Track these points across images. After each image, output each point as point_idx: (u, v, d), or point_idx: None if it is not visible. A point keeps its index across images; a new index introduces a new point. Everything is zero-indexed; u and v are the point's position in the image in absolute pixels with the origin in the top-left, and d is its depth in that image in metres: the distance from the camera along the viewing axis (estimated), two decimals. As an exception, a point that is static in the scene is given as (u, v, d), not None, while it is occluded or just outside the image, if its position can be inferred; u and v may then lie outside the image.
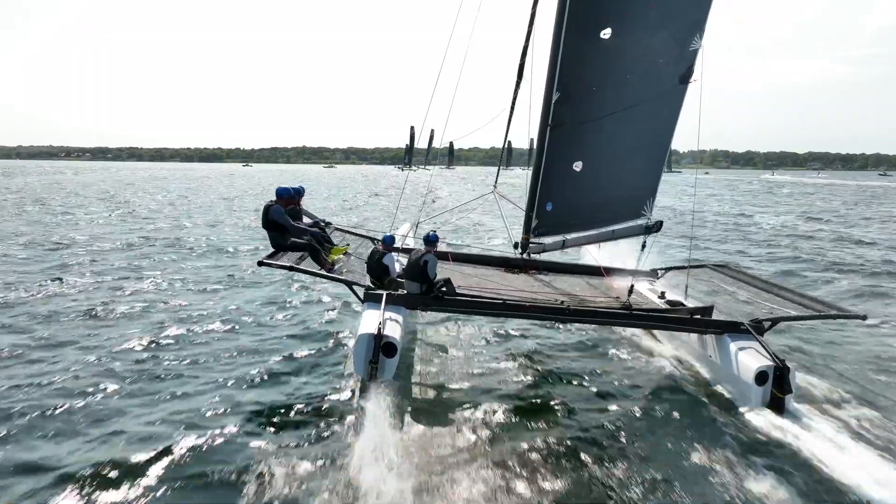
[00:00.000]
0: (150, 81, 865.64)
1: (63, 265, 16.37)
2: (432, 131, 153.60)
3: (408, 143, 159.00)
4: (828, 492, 5.97)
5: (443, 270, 10.63)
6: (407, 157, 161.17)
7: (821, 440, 6.81)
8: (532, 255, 12.19)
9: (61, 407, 7.34)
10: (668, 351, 9.85)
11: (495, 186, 13.72)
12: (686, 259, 10.33)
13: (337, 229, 12.67)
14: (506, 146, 14.41)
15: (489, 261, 12.53)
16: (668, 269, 12.18)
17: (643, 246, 9.95)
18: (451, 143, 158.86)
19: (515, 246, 12.42)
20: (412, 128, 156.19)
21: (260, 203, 27.26)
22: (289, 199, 9.62)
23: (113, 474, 5.98)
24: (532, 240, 12.04)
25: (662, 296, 10.23)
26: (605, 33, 10.39)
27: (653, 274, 12.04)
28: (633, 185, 10.77)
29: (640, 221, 10.62)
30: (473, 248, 15.35)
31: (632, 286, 9.37)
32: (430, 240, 9.01)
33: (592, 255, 13.19)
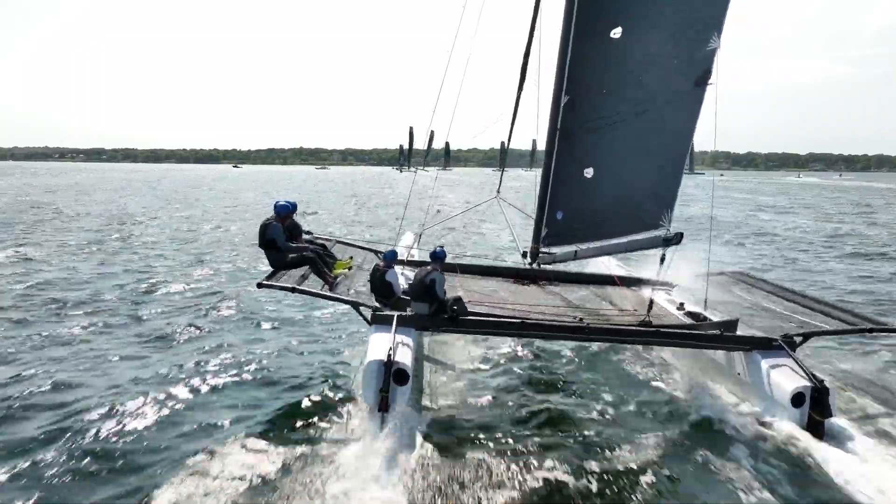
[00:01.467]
0: (150, 82, 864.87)
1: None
2: (432, 132, 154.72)
3: (406, 144, 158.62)
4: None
5: (450, 283, 10.32)
6: (401, 157, 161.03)
7: (867, 470, 6.36)
8: (542, 265, 11.88)
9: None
10: (689, 366, 9.39)
11: (498, 192, 13.42)
12: (705, 268, 9.90)
13: (339, 242, 12.28)
14: (505, 150, 14.07)
15: (498, 272, 12.15)
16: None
17: (662, 259, 9.51)
18: (447, 144, 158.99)
19: (524, 255, 12.11)
20: (411, 128, 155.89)
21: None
22: (286, 215, 9.17)
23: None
24: (542, 249, 11.68)
25: (681, 307, 9.81)
26: (616, 32, 9.97)
27: (668, 283, 11.65)
28: (649, 194, 10.31)
29: (658, 233, 10.17)
30: (481, 259, 15.01)
31: (651, 301, 8.98)
32: (437, 256, 8.53)
33: (604, 262, 12.84)
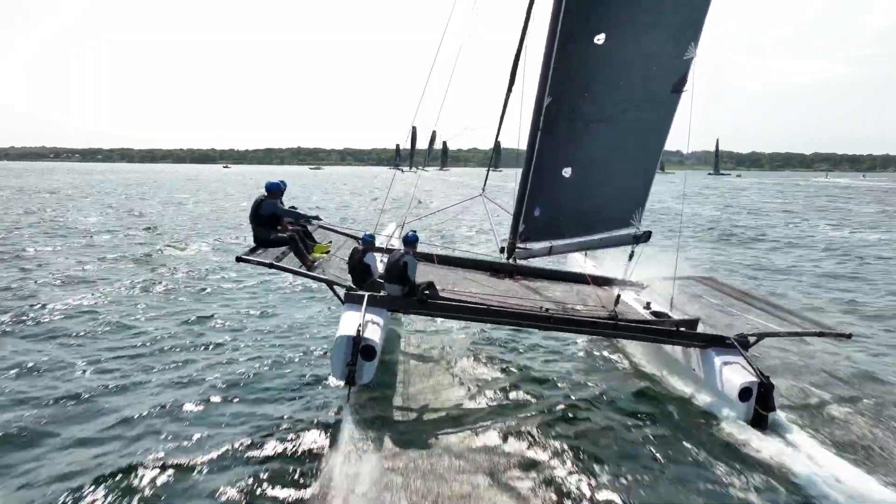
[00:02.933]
0: (149, 82, 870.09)
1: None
2: (433, 132, 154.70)
3: (403, 143, 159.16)
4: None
5: (427, 272, 10.77)
6: (397, 158, 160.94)
7: (803, 458, 6.87)
8: (518, 260, 12.32)
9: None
10: (651, 362, 9.92)
11: (483, 189, 13.96)
12: (674, 269, 10.44)
13: (321, 227, 12.73)
14: (495, 149, 14.59)
15: (475, 265, 12.60)
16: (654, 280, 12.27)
17: (630, 256, 10.08)
18: (445, 144, 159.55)
19: (502, 250, 12.60)
20: (414, 128, 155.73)
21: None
22: (276, 193, 9.69)
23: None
24: (519, 245, 12.13)
25: (648, 306, 10.30)
26: (599, 38, 10.46)
27: (639, 284, 12.08)
28: (623, 194, 10.84)
29: (629, 231, 10.75)
30: (460, 252, 15.50)
31: (618, 296, 9.43)
32: (410, 240, 8.96)
33: (578, 262, 13.40)
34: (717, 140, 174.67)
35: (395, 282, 8.50)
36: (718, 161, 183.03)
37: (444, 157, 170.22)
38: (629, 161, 10.81)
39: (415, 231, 9.36)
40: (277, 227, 9.51)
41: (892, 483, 6.49)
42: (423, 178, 64.20)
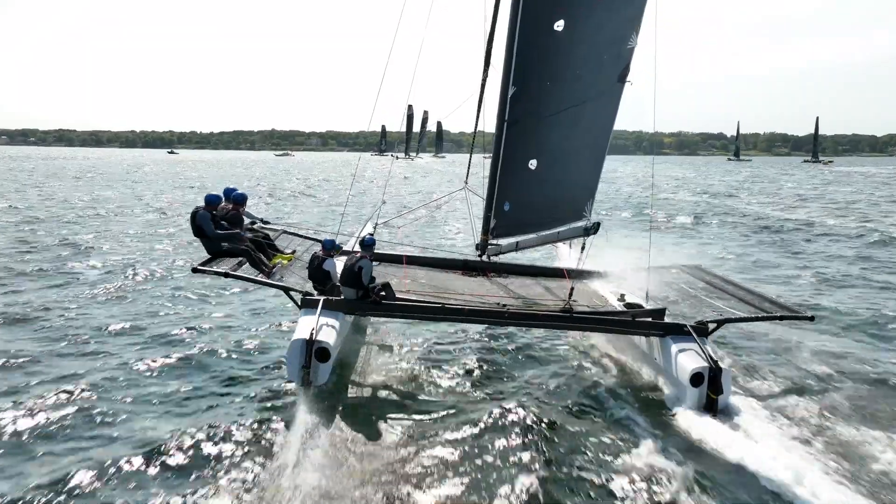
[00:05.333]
0: (96, 54, 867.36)
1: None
2: (425, 112, 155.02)
3: (392, 127, 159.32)
4: (749, 492, 7.48)
5: (394, 274, 12.40)
6: (382, 141, 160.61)
7: (748, 442, 8.37)
8: (492, 257, 13.95)
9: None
10: (621, 352, 11.60)
11: (466, 182, 15.55)
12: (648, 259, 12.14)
13: (286, 233, 14.35)
14: (475, 137, 16.16)
15: (447, 264, 14.26)
16: (637, 271, 13.69)
17: (582, 248, 11.67)
18: (440, 125, 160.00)
19: (477, 247, 14.29)
20: (409, 107, 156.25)
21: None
22: (214, 205, 11.04)
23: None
24: (490, 241, 13.79)
25: (622, 298, 11.91)
26: (559, 25, 12.05)
27: (621, 275, 13.66)
28: (579, 186, 12.55)
29: (581, 223, 12.42)
30: (436, 251, 17.10)
31: (572, 288, 10.97)
32: (366, 244, 10.56)
33: (564, 254, 15.03)
34: (817, 119, 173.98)
35: (351, 285, 10.16)
36: (817, 145, 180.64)
37: (440, 142, 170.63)
38: (584, 152, 12.59)
39: (372, 234, 10.95)
40: (233, 237, 10.98)
41: (836, 469, 7.91)
42: (412, 166, 65.12)
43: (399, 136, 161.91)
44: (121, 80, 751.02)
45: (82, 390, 9.72)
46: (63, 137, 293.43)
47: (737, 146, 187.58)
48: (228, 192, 11.87)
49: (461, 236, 26.30)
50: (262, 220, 13.27)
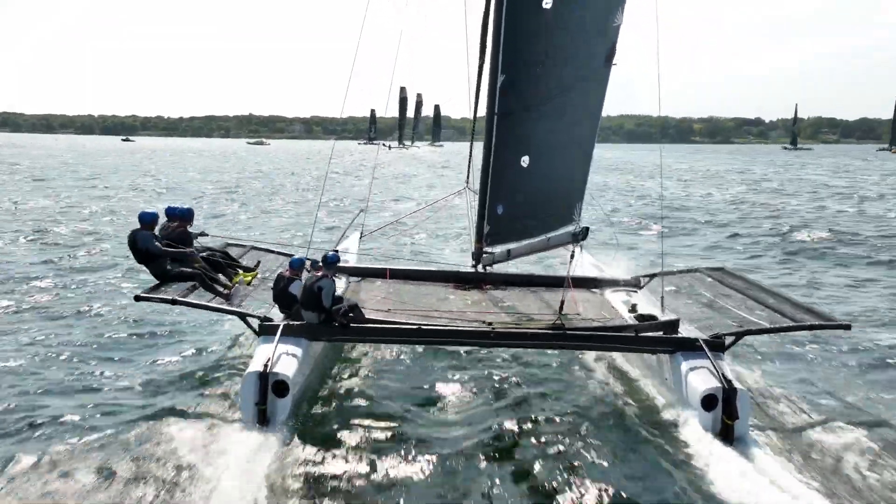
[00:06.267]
0: (46, 33, 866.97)
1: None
2: (419, 96, 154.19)
3: (380, 110, 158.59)
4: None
5: (375, 291, 12.36)
6: (371, 129, 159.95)
7: (765, 479, 8.15)
8: (485, 266, 13.89)
9: None
10: (634, 367, 11.50)
11: (467, 181, 15.44)
12: (688, 262, 12.02)
13: (255, 248, 14.30)
14: (472, 130, 16.06)
15: (437, 276, 14.21)
16: (652, 276, 13.82)
17: (571, 256, 11.53)
18: (437, 109, 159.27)
19: (473, 256, 14.15)
20: (403, 89, 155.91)
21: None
22: (151, 223, 10.93)
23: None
24: (485, 249, 13.73)
25: (634, 309, 11.83)
26: (547, 2, 12.03)
27: (635, 282, 13.76)
28: (568, 185, 12.64)
29: (570, 228, 12.39)
30: (431, 263, 16.99)
31: (562, 302, 10.92)
32: (329, 261, 10.43)
33: (577, 260, 14.85)
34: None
35: (311, 309, 10.03)
36: (795, 133, 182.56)
37: (437, 129, 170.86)
38: (573, 145, 12.66)
39: (336, 251, 10.82)
40: (182, 258, 10.86)
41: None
42: (403, 158, 64.68)
43: (391, 122, 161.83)
44: (79, 59, 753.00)
45: None
46: (8, 122, 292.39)
47: (794, 133, 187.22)
48: (171, 211, 11.69)
49: (459, 245, 26.15)
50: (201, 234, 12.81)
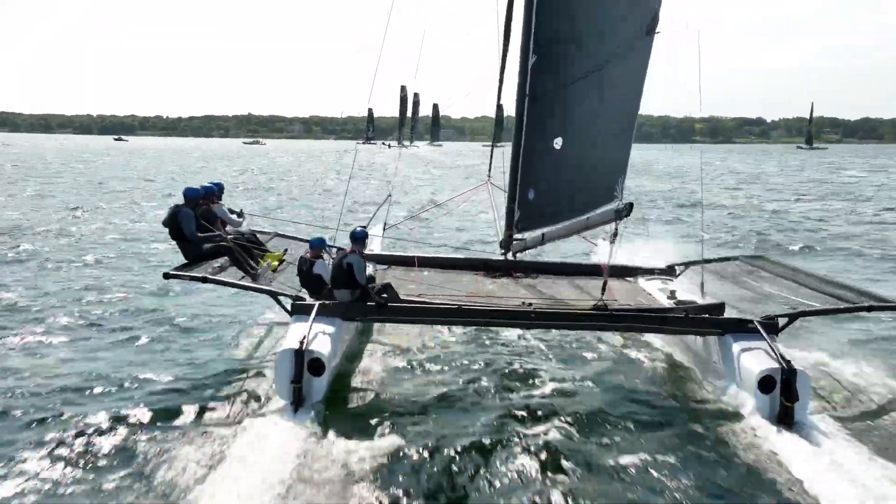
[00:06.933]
0: (47, 33, 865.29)
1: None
2: (416, 95, 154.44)
3: (378, 111, 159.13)
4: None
5: (404, 278, 12.13)
6: (369, 128, 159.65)
7: (830, 464, 7.85)
8: (517, 254, 13.65)
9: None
10: (679, 354, 11.29)
11: (489, 174, 15.24)
12: (717, 252, 11.71)
13: (278, 236, 14.30)
14: (497, 121, 15.89)
15: (466, 264, 14.01)
16: (688, 265, 13.61)
17: (614, 235, 11.22)
18: (436, 108, 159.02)
19: (501, 245, 13.92)
20: (403, 88, 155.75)
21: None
22: (195, 200, 10.82)
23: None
24: (516, 236, 13.44)
25: (672, 295, 11.53)
26: None
27: (669, 271, 13.53)
28: (608, 162, 12.29)
29: (612, 205, 12.04)
30: (452, 252, 16.77)
31: (605, 281, 10.66)
32: (356, 237, 10.16)
33: (602, 250, 14.62)
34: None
35: (343, 286, 9.77)
36: (811, 133, 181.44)
37: (436, 128, 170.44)
38: (612, 122, 12.30)
39: (364, 227, 10.57)
40: (214, 237, 10.70)
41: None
42: (397, 158, 63.94)
43: (391, 121, 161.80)
44: (78, 59, 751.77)
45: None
46: (7, 122, 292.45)
47: (809, 132, 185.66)
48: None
49: (482, 237, 25.84)
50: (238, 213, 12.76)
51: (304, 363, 8.71)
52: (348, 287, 9.76)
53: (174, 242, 11.14)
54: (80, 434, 8.66)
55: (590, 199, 12.54)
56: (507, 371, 10.94)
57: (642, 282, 12.96)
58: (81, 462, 8.05)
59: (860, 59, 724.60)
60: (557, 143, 12.46)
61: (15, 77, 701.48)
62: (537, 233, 13.15)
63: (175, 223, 10.59)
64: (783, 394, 8.73)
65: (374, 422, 9.01)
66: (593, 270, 13.37)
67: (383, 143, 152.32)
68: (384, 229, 16.61)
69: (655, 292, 12.10)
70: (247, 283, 10.34)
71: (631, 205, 11.96)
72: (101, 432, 8.72)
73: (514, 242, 13.52)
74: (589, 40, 11.99)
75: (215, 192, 11.70)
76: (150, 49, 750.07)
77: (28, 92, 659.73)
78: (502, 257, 13.66)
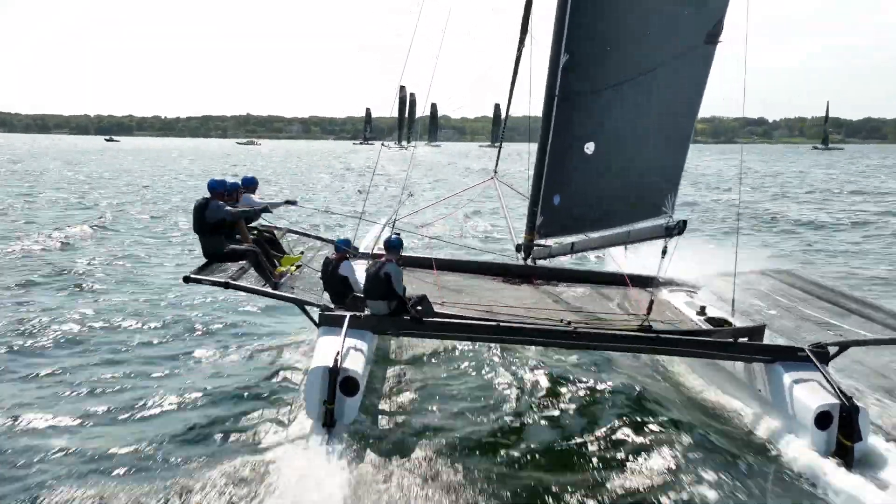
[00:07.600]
0: (45, 32, 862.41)
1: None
2: (412, 95, 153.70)
3: (376, 110, 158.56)
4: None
5: (423, 281, 11.67)
6: (367, 128, 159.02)
7: None
8: (537, 259, 13.27)
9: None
10: (707, 379, 10.64)
11: (495, 172, 14.90)
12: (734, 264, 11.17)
13: (290, 231, 13.74)
14: (505, 119, 15.51)
15: (484, 269, 13.61)
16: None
17: (664, 252, 10.78)
18: (435, 108, 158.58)
19: (518, 249, 13.53)
20: (402, 88, 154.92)
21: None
22: (221, 193, 10.51)
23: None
24: (537, 241, 13.10)
25: (702, 311, 11.02)
26: None
27: (692, 284, 12.79)
28: (652, 174, 11.69)
29: (660, 221, 11.45)
30: (467, 253, 16.39)
31: (651, 301, 10.18)
32: (392, 245, 9.68)
33: (618, 258, 14.24)
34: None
35: (378, 297, 9.25)
36: (827, 133, 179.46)
37: (434, 128, 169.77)
38: (658, 132, 11.73)
39: (398, 233, 10.14)
40: (235, 236, 10.33)
41: None
42: (393, 160, 63.34)
43: (390, 121, 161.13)
44: (76, 59, 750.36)
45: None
46: (5, 122, 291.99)
47: (825, 132, 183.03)
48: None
49: (493, 233, 25.35)
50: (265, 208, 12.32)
51: (337, 382, 8.21)
52: (385, 298, 9.26)
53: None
54: (98, 457, 8.29)
55: (625, 210, 11.99)
56: (535, 380, 10.74)
57: (665, 293, 12.34)
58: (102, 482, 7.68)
59: (860, 59, 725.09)
60: (589, 147, 12.03)
61: (13, 77, 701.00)
62: (565, 241, 12.75)
63: (201, 216, 10.24)
64: (841, 431, 8.14)
65: (407, 443, 8.61)
66: (613, 279, 12.87)
67: (384, 144, 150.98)
68: (392, 227, 16.15)
69: (683, 307, 11.54)
70: (269, 289, 9.87)
71: (684, 222, 11.31)
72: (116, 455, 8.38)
73: (537, 248, 13.14)
74: (632, 43, 11.55)
75: (239, 188, 11.40)
76: (148, 49, 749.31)
77: (26, 92, 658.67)
78: (518, 261, 13.30)
